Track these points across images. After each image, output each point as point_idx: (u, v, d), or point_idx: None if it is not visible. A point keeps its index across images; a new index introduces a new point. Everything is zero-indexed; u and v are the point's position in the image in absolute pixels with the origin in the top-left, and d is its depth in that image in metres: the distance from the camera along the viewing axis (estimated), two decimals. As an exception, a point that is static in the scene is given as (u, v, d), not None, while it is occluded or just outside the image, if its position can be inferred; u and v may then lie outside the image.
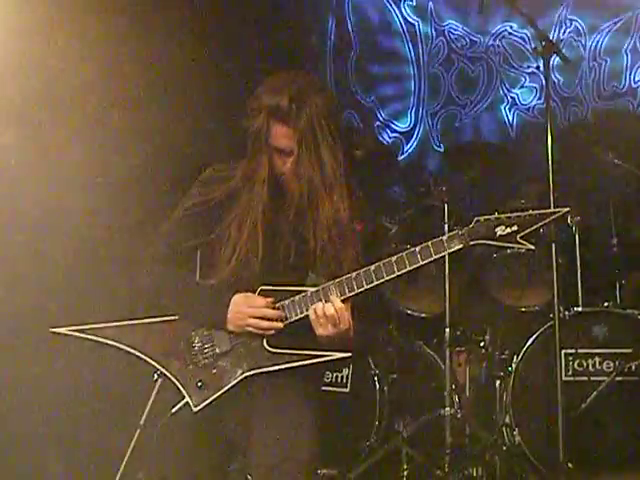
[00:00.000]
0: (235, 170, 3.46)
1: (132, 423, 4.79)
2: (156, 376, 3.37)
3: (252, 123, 3.34)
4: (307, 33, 7.65)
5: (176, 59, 5.87)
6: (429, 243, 3.19)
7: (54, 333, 3.38)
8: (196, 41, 6.08)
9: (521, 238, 3.12)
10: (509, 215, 3.15)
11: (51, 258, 4.92)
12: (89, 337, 3.36)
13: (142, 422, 4.74)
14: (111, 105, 5.39)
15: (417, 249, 3.19)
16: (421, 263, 3.19)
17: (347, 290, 3.24)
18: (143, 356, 3.35)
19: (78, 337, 3.36)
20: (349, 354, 3.24)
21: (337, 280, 3.25)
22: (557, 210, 3.16)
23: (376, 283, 3.22)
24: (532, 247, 3.13)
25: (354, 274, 3.23)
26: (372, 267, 3.22)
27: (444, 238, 3.18)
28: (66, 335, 3.36)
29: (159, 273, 3.42)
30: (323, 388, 3.55)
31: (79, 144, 5.11)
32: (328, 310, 3.20)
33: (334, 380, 5.32)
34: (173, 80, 5.87)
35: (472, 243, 3.17)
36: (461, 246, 3.17)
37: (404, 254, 3.19)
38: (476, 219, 3.18)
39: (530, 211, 3.14)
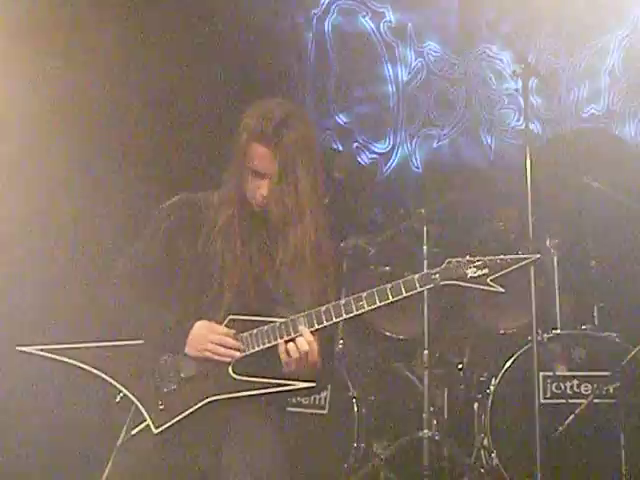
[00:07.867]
0: (208, 196, 3.48)
1: (102, 447, 4.72)
2: (119, 398, 3.36)
3: (235, 145, 3.37)
4: (287, 54, 7.66)
5: (160, 81, 5.89)
6: (400, 281, 3.27)
7: (21, 352, 3.37)
8: (179, 63, 6.10)
9: (491, 281, 3.22)
10: (480, 258, 3.26)
11: (22, 275, 4.90)
12: (55, 357, 3.36)
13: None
14: (98, 117, 5.42)
15: (388, 287, 3.27)
16: (391, 300, 3.27)
17: (316, 323, 3.28)
18: (108, 378, 3.34)
19: (45, 357, 3.35)
20: (313, 384, 3.28)
21: (306, 312, 3.28)
22: (528, 257, 3.29)
23: (345, 317, 3.28)
24: (502, 290, 3.23)
25: (324, 308, 3.28)
26: (342, 301, 3.28)
27: (416, 277, 3.28)
28: (33, 354, 3.35)
29: (125, 294, 3.43)
30: (301, 410, 3.53)
31: (58, 161, 5.11)
32: (302, 347, 3.23)
33: (312, 402, 5.28)
34: (160, 101, 5.88)
35: (443, 283, 3.27)
36: (432, 285, 3.27)
37: (375, 290, 3.27)
38: (448, 260, 3.29)
39: (502, 255, 3.25)
